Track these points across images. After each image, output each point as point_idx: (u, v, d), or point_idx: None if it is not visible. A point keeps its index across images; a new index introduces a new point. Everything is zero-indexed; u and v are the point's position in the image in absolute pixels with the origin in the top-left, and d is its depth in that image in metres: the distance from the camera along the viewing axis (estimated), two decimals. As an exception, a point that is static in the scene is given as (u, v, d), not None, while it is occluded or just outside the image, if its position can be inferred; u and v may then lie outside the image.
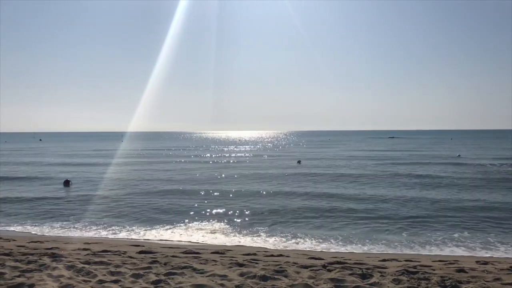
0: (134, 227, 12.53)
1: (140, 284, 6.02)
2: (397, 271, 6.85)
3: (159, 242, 10.85)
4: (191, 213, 14.51)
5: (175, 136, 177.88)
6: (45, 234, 11.82)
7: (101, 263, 7.24)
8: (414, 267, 7.32)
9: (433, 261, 8.21)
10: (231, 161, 38.53)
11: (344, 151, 53.77)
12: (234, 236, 11.52)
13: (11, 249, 8.56)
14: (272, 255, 8.65)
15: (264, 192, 18.81)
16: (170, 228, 12.40)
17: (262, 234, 11.65)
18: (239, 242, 10.90)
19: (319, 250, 9.97)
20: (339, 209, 14.87)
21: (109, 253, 8.46)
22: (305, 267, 7.15)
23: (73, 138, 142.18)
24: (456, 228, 12.03)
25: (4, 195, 18.35)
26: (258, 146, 72.16)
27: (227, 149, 63.60)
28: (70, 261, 7.24)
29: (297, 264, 7.44)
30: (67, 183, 22.23)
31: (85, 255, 8.09)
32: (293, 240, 10.96)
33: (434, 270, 7.11)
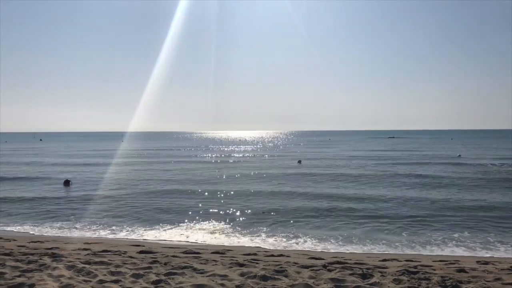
0: (134, 227, 12.53)
1: (141, 284, 6.02)
2: (397, 271, 6.84)
3: (160, 242, 10.85)
4: (191, 213, 14.51)
5: (175, 136, 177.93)
6: (45, 234, 11.82)
7: (102, 263, 7.24)
8: (415, 267, 7.32)
9: (433, 261, 8.20)
10: (232, 161, 38.53)
11: (344, 151, 53.76)
12: (234, 236, 11.52)
13: (12, 249, 8.56)
14: (272, 255, 8.65)
15: (265, 192, 18.80)
16: (170, 228, 12.40)
17: (262, 234, 11.65)
18: (240, 242, 10.90)
19: (320, 250, 9.96)
20: (339, 209, 14.86)
21: (109, 253, 8.46)
22: (306, 267, 7.15)
23: (73, 138, 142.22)
24: (456, 228, 12.02)
25: (4, 195, 18.35)
26: (259, 146, 72.16)
27: (227, 149, 63.59)
28: (70, 261, 7.24)
29: (298, 264, 7.43)
30: (67, 183, 22.24)
31: (85, 255, 8.08)
32: (294, 240, 10.96)
33: (434, 270, 7.11)
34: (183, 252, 8.63)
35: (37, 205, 16.22)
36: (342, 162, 35.25)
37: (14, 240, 10.29)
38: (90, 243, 9.85)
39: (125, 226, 12.65)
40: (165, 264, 7.20)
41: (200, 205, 15.99)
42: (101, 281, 6.09)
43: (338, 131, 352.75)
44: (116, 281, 6.11)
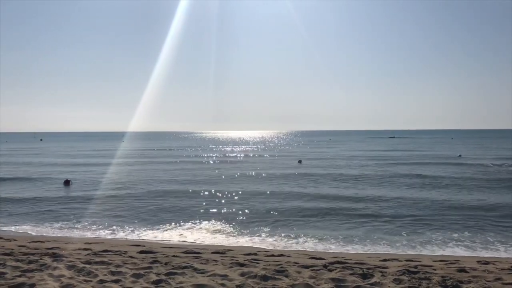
0: (134, 227, 12.54)
1: (141, 284, 6.02)
2: (398, 271, 6.84)
3: (160, 242, 10.85)
4: (192, 213, 14.51)
5: (175, 136, 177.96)
6: (46, 234, 11.82)
7: (102, 263, 7.24)
8: (415, 267, 7.32)
9: (434, 261, 8.20)
10: (232, 161, 38.53)
11: (345, 151, 53.75)
12: (234, 236, 11.52)
13: (12, 249, 8.56)
14: (272, 255, 8.64)
15: (265, 192, 18.80)
16: (170, 228, 12.40)
17: (262, 234, 11.65)
18: (240, 242, 10.90)
19: (320, 250, 9.96)
20: (339, 209, 14.86)
21: (109, 253, 8.46)
22: (306, 267, 7.15)
23: (74, 138, 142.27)
24: (456, 228, 12.02)
25: (5, 195, 18.36)
26: (259, 146, 72.16)
27: (227, 149, 63.60)
28: (71, 261, 7.24)
29: (298, 264, 7.43)
30: (67, 182, 22.25)
31: (85, 255, 8.09)
32: (294, 240, 10.96)
33: (435, 270, 7.10)
34: (184, 252, 8.64)
35: (37, 205, 16.23)
36: (342, 162, 35.25)
37: (15, 240, 10.30)
38: (90, 243, 9.85)
39: (125, 226, 12.66)
40: (166, 264, 7.21)
41: (200, 205, 15.99)
42: (102, 281, 6.10)
43: (338, 131, 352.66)
44: (116, 281, 6.11)
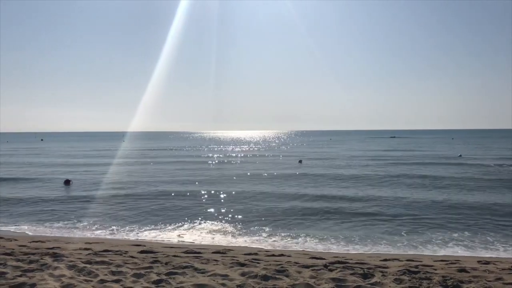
0: (135, 227, 12.54)
1: (141, 283, 6.02)
2: (398, 270, 6.84)
3: (160, 241, 10.85)
4: (192, 213, 14.51)
5: (176, 136, 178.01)
6: (46, 234, 11.83)
7: (103, 262, 7.25)
8: (416, 266, 7.31)
9: (434, 261, 8.20)
10: (232, 161, 38.54)
11: (345, 151, 53.75)
12: (235, 236, 11.52)
13: (13, 249, 8.57)
14: (273, 255, 8.65)
15: (265, 192, 18.80)
16: (171, 228, 12.40)
17: (263, 234, 11.65)
18: (240, 242, 10.89)
19: (320, 250, 9.95)
20: (340, 209, 14.85)
21: (110, 252, 8.47)
22: (307, 266, 7.15)
23: (74, 138, 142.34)
24: (457, 227, 12.01)
25: (6, 195, 18.38)
26: (259, 146, 72.16)
27: (227, 149, 63.61)
28: (71, 261, 7.24)
29: (298, 263, 7.43)
30: (67, 182, 22.27)
31: (86, 254, 8.09)
32: (294, 240, 10.96)
33: (435, 269, 7.10)
34: (184, 252, 8.64)
35: (38, 205, 16.24)
36: (343, 162, 35.24)
37: (15, 240, 10.31)
38: (91, 243, 9.85)
39: (126, 226, 12.66)
40: (166, 263, 7.21)
41: (201, 205, 15.99)
42: (102, 281, 6.10)
43: (339, 131, 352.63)
44: (117, 281, 6.12)
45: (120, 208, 15.34)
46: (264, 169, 29.47)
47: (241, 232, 11.84)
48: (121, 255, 8.21)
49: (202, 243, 10.74)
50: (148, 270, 6.69)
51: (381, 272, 6.74)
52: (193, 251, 8.75)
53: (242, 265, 7.23)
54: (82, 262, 7.17)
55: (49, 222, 13.35)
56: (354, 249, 10.10)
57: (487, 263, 8.03)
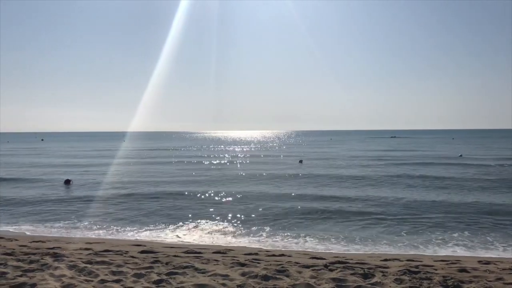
0: (136, 227, 12.54)
1: (142, 283, 6.02)
2: (399, 270, 6.84)
3: (161, 242, 10.85)
4: (193, 213, 14.51)
5: (176, 136, 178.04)
6: (47, 234, 11.83)
7: (103, 262, 7.25)
8: (416, 266, 7.31)
9: (435, 261, 8.20)
10: (233, 161, 38.54)
11: (346, 151, 53.75)
12: (235, 236, 11.52)
13: (13, 249, 8.58)
14: (273, 255, 8.65)
15: (266, 192, 18.80)
16: (171, 228, 12.40)
17: (263, 234, 11.65)
18: (241, 242, 10.89)
19: (321, 250, 9.95)
20: (340, 209, 14.85)
21: (111, 252, 8.47)
22: (307, 266, 7.15)
23: (75, 138, 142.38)
24: (457, 227, 12.01)
25: (6, 195, 18.38)
26: (260, 146, 72.17)
27: (228, 149, 63.61)
28: (72, 261, 7.25)
29: (299, 263, 7.43)
30: (67, 182, 22.28)
31: (87, 254, 8.10)
32: (295, 240, 10.96)
33: (436, 270, 7.10)
34: (185, 252, 8.64)
35: (39, 205, 16.24)
36: (343, 162, 35.24)
37: (16, 240, 10.31)
38: (91, 243, 9.86)
39: (126, 226, 12.67)
40: (167, 263, 7.21)
41: (201, 205, 15.99)
42: (103, 281, 6.10)
43: (339, 131, 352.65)
44: (117, 281, 6.12)
45: (120, 208, 15.34)
46: (264, 169, 29.47)
47: (241, 232, 11.84)
48: (121, 255, 8.21)
49: (203, 243, 10.74)
50: (148, 270, 6.69)
51: (382, 272, 6.74)
52: (194, 251, 8.75)
53: (243, 265, 7.24)
54: (83, 262, 7.18)
55: (50, 222, 13.35)
56: (354, 249, 10.10)
57: (488, 263, 8.03)
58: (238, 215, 14.00)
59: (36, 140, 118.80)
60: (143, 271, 6.62)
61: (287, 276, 6.45)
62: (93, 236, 11.48)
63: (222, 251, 8.93)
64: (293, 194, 18.10)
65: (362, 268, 6.99)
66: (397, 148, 60.09)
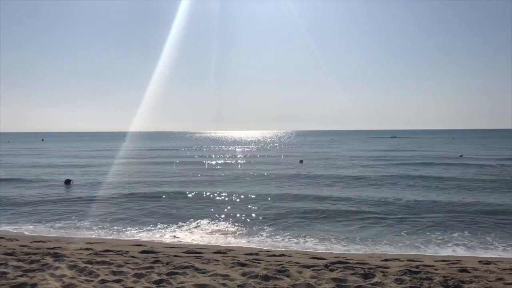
0: (136, 227, 12.55)
1: (142, 283, 6.03)
2: (399, 270, 6.84)
3: (161, 242, 10.86)
4: (193, 213, 14.51)
5: (177, 136, 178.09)
6: (47, 234, 11.84)
7: (103, 262, 7.26)
8: (417, 266, 7.31)
9: (435, 261, 8.19)
10: (233, 161, 38.54)
11: (346, 151, 53.75)
12: (236, 236, 11.53)
13: (14, 249, 8.58)
14: (274, 255, 8.65)
15: (266, 192, 18.80)
16: (172, 228, 12.41)
17: (264, 234, 11.65)
18: (241, 242, 10.90)
19: (321, 250, 9.95)
20: (341, 209, 14.85)
21: (111, 252, 8.48)
22: (307, 266, 7.15)
23: (75, 138, 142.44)
24: (458, 228, 12.00)
25: (7, 195, 18.39)
26: (260, 146, 72.17)
27: (228, 149, 63.62)
28: (72, 261, 7.25)
29: (299, 263, 7.43)
30: (68, 182, 22.30)
31: (87, 254, 8.10)
32: (295, 240, 10.96)
33: (436, 270, 7.10)
34: (185, 252, 8.65)
35: (39, 205, 16.25)
36: (344, 162, 35.25)
37: (17, 240, 10.32)
38: (92, 243, 9.86)
39: (127, 226, 12.67)
40: (167, 263, 7.22)
41: (202, 205, 15.99)
42: (103, 281, 6.11)
43: (339, 131, 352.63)
44: (118, 281, 6.12)
45: (121, 208, 15.35)
46: (264, 169, 29.47)
47: (241, 232, 11.84)
48: (122, 255, 8.22)
49: (203, 243, 10.74)
50: (149, 270, 6.70)
51: (382, 272, 6.74)
52: (194, 251, 8.76)
53: (243, 265, 7.24)
54: (83, 262, 7.18)
55: (50, 222, 13.36)
56: (354, 249, 10.10)
57: (488, 263, 8.03)
58: (239, 215, 14.00)
59: (37, 140, 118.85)
60: (143, 271, 6.62)
61: (288, 276, 6.46)
62: (94, 236, 11.49)
63: (222, 251, 8.93)
64: (293, 194, 18.10)
65: (362, 268, 6.99)
66: (397, 148, 60.08)
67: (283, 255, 8.73)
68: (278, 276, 6.39)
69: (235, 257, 8.18)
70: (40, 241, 10.20)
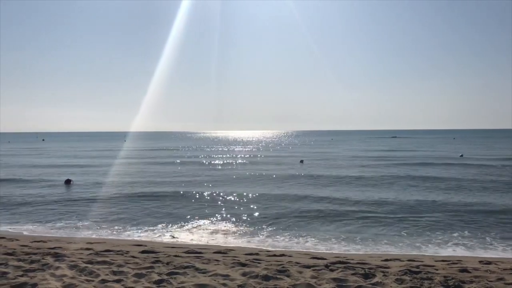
0: (136, 227, 12.55)
1: (143, 283, 6.03)
2: (399, 271, 6.84)
3: (162, 242, 10.86)
4: (194, 213, 14.51)
5: (177, 136, 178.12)
6: (48, 234, 11.84)
7: (104, 262, 7.26)
8: (417, 267, 7.31)
9: (436, 261, 8.19)
10: (233, 161, 38.55)
11: (347, 151, 53.74)
12: (236, 236, 11.53)
13: (14, 249, 8.59)
14: (274, 255, 8.65)
15: (266, 192, 18.80)
16: (172, 228, 12.41)
17: (264, 234, 11.65)
18: (241, 242, 10.90)
19: (322, 250, 9.95)
20: (341, 209, 14.84)
21: (111, 252, 8.48)
22: (308, 267, 7.15)
23: (75, 138, 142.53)
24: (458, 228, 12.00)
25: (7, 195, 18.41)
26: (261, 146, 72.17)
27: (229, 149, 63.63)
28: (73, 261, 7.26)
29: (300, 264, 7.43)
30: (68, 182, 22.31)
31: (87, 254, 8.11)
32: (295, 240, 10.96)
33: (437, 270, 7.10)
34: (185, 252, 8.65)
35: (39, 205, 16.26)
36: (344, 162, 35.23)
37: (17, 239, 10.33)
38: (92, 243, 9.87)
39: (127, 226, 12.67)
40: (167, 263, 7.22)
41: (202, 205, 16.00)
42: (104, 281, 6.11)
43: (340, 131, 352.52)
44: (118, 281, 6.13)
45: (121, 208, 15.35)
46: (265, 169, 29.47)
47: (242, 232, 11.84)
48: (122, 255, 8.22)
49: (203, 243, 10.75)
50: (149, 270, 6.70)
51: (382, 272, 6.74)
52: (194, 251, 8.76)
53: (243, 265, 7.24)
54: (84, 262, 7.18)
55: (50, 222, 13.37)
56: (355, 249, 10.10)
57: (489, 263, 8.02)
58: (239, 215, 14.00)
59: (37, 140, 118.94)
60: (144, 271, 6.62)
61: (288, 276, 6.45)
62: (94, 236, 11.49)
63: (222, 251, 8.93)
64: (293, 194, 18.10)
65: (363, 268, 6.99)
66: (397, 148, 60.07)
67: (283, 255, 8.73)
68: (278, 276, 6.38)
69: (235, 257, 8.18)
70: (41, 241, 10.20)
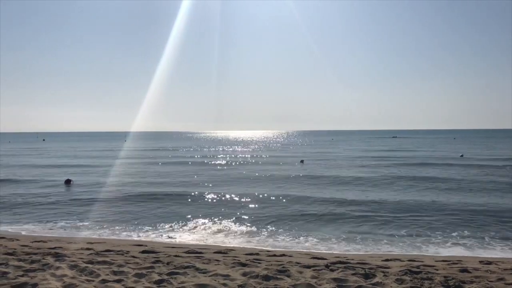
0: (137, 227, 12.55)
1: (143, 283, 6.03)
2: (400, 271, 6.83)
3: (162, 242, 10.86)
4: (194, 213, 14.51)
5: (178, 136, 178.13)
6: (48, 234, 11.85)
7: (104, 262, 7.26)
8: (417, 267, 7.31)
9: (436, 261, 8.19)
10: (234, 162, 38.54)
11: (347, 151, 53.72)
12: (236, 236, 11.53)
13: (15, 249, 8.59)
14: (274, 255, 8.65)
15: (267, 192, 18.79)
16: (172, 228, 12.41)
17: (264, 234, 11.65)
18: (242, 242, 10.90)
19: (322, 250, 9.95)
20: (341, 209, 14.84)
21: (112, 252, 8.48)
22: (308, 267, 7.15)
23: (75, 138, 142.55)
24: (458, 228, 11.99)
25: (8, 195, 18.41)
26: (261, 146, 72.15)
27: (229, 149, 63.62)
28: (73, 261, 7.26)
29: (300, 264, 7.43)
30: (68, 182, 22.31)
31: (88, 254, 8.11)
32: (296, 240, 10.96)
33: (437, 270, 7.09)
34: (186, 252, 8.65)
35: (40, 205, 16.27)
36: (344, 162, 35.22)
37: (17, 239, 10.33)
38: (93, 243, 9.87)
39: (127, 226, 12.68)
40: (168, 263, 7.22)
41: (202, 205, 16.00)
42: (104, 281, 6.11)
43: (340, 131, 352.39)
44: (118, 281, 6.13)
45: (121, 208, 15.36)
46: (265, 169, 29.47)
47: (242, 232, 11.84)
48: (122, 255, 8.22)
49: (203, 243, 10.75)
50: (149, 270, 6.70)
51: (383, 272, 6.74)
52: (195, 251, 8.76)
53: (244, 265, 7.24)
54: (84, 262, 7.18)
55: (51, 222, 13.37)
56: (355, 249, 10.10)
57: (489, 263, 8.01)
58: (239, 215, 14.00)
59: (38, 140, 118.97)
60: (144, 271, 6.62)
61: (288, 276, 6.45)
62: (94, 236, 11.49)
63: (223, 251, 8.93)
64: (294, 194, 18.09)
65: (363, 268, 6.98)
66: (398, 148, 60.04)
67: (283, 255, 8.73)
68: (278, 276, 6.38)
69: (235, 257, 8.18)
70: (41, 241, 10.21)
